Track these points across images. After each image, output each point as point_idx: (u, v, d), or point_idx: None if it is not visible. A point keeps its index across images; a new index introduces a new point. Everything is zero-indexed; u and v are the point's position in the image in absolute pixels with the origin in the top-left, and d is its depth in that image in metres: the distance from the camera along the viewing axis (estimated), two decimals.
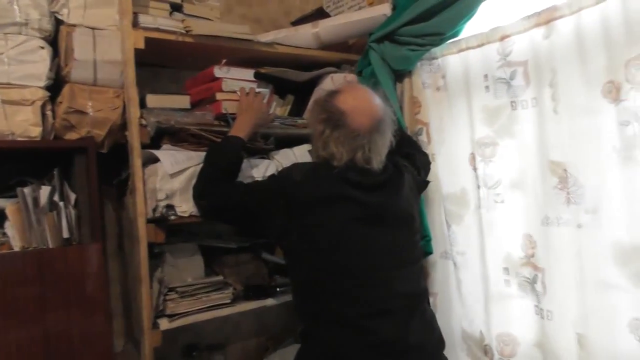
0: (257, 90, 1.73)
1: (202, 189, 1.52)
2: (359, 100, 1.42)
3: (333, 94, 1.46)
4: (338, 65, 2.09)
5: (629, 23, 1.29)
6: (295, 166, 1.48)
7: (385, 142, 1.42)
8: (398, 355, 1.30)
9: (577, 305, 1.43)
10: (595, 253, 1.38)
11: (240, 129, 1.59)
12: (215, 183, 1.51)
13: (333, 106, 1.41)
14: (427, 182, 1.73)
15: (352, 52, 2.18)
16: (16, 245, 1.45)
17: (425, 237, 1.79)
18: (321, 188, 1.37)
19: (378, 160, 1.40)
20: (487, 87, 1.68)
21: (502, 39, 1.62)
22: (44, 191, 1.48)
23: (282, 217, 1.38)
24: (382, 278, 1.35)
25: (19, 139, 1.49)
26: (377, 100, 1.44)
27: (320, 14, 2.23)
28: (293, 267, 1.45)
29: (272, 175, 1.57)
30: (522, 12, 1.57)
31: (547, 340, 1.52)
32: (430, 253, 1.82)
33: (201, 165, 1.55)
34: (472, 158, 1.73)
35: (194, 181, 1.57)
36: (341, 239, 1.34)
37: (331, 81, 2.00)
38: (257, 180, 1.63)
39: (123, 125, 1.65)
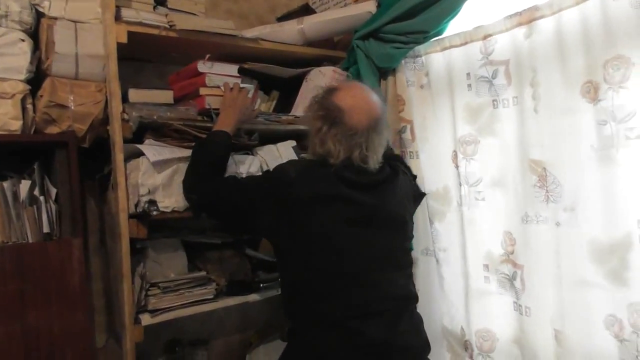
0: (242, 85, 1.72)
1: (192, 184, 1.51)
2: (357, 98, 1.41)
3: (331, 90, 1.45)
4: (319, 63, 2.09)
5: (607, 24, 1.31)
6: (291, 163, 1.47)
7: (382, 142, 1.42)
8: (384, 357, 1.30)
9: (555, 302, 1.45)
10: (572, 251, 1.40)
11: (224, 124, 1.58)
12: (204, 178, 1.49)
13: (331, 103, 1.40)
14: (423, 195, 1.73)
15: (338, 49, 2.19)
16: None
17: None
18: (316, 186, 1.35)
19: (374, 159, 1.40)
20: (469, 86, 1.70)
21: (485, 38, 1.63)
22: (24, 185, 1.47)
23: (273, 214, 1.36)
24: (372, 280, 1.35)
25: None
26: (375, 99, 1.43)
27: (305, 10, 2.23)
28: (283, 265, 1.45)
29: (267, 171, 1.56)
30: (505, 11, 1.58)
31: (525, 336, 1.55)
32: (411, 250, 1.83)
33: (189, 161, 1.54)
34: (455, 156, 1.75)
35: (176, 177, 1.56)
36: (333, 239, 1.34)
37: (320, 74, 2.00)
38: (251, 176, 1.62)
39: (105, 120, 1.63)
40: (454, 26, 1.77)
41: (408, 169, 1.77)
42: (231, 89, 1.67)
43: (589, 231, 1.37)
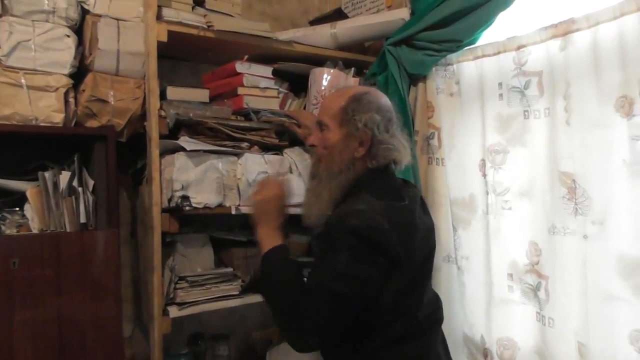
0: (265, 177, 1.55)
1: (294, 325, 1.14)
2: (383, 94, 1.38)
3: (370, 93, 1.31)
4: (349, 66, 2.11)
5: None
6: (369, 213, 1.15)
7: None
8: None
9: (579, 314, 1.45)
10: (599, 264, 1.40)
11: (270, 238, 1.25)
12: (301, 308, 1.12)
13: (384, 105, 1.31)
14: None
15: (368, 54, 2.22)
16: (34, 227, 1.48)
17: None
18: (405, 227, 1.20)
19: None
20: (500, 95, 1.71)
21: (518, 48, 1.64)
22: (64, 176, 1.52)
23: (387, 273, 1.16)
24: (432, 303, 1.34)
25: (42, 124, 1.52)
26: None
27: (338, 14, 2.26)
28: (371, 318, 1.19)
29: (353, 245, 1.13)
30: (539, 23, 1.59)
31: (546, 347, 1.55)
32: None
33: (272, 310, 1.20)
34: (482, 164, 1.76)
35: (208, 173, 1.61)
36: (419, 273, 1.27)
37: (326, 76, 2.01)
38: (337, 261, 1.12)
39: (142, 116, 1.68)
40: (487, 36, 1.78)
41: None
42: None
43: (618, 245, 1.37)
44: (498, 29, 1.76)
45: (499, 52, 1.71)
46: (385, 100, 1.33)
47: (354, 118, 1.25)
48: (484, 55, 1.77)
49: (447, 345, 1.38)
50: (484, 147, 1.75)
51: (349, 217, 1.15)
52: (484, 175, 1.75)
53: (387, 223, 1.14)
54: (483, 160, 1.76)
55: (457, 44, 1.81)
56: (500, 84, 1.71)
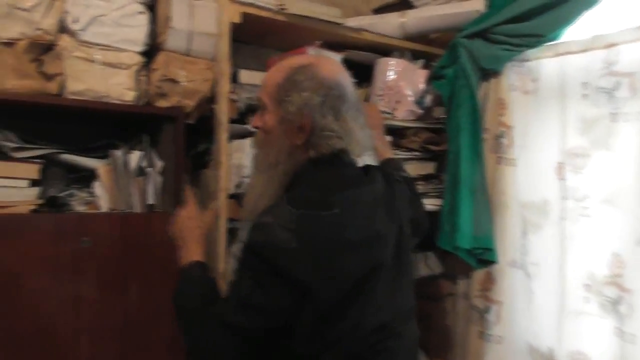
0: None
1: (198, 355, 1.01)
2: (338, 67, 1.11)
3: (307, 67, 1.04)
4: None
5: None
6: (275, 228, 0.93)
7: None
8: None
9: None
10: None
11: (188, 257, 1.15)
12: (204, 338, 0.99)
13: (329, 82, 1.03)
14: None
15: (434, 45, 2.14)
16: (103, 205, 1.46)
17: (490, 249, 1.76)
18: (325, 244, 0.96)
19: None
20: (584, 96, 1.62)
21: (608, 47, 1.55)
22: (135, 156, 1.49)
23: (296, 300, 0.94)
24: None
25: (114, 101, 1.49)
26: None
27: (404, 3, 2.19)
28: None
29: (254, 266, 0.95)
30: (624, 23, 1.50)
31: None
32: (493, 261, 1.77)
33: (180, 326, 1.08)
34: (560, 167, 1.67)
35: None
36: (352, 297, 0.99)
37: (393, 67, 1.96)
38: (241, 286, 0.97)
39: (210, 99, 1.64)
40: (568, 34, 1.69)
41: None
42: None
43: None
44: (580, 28, 1.66)
45: (585, 50, 1.62)
46: (332, 75, 1.04)
47: (286, 98, 1.02)
48: (567, 53, 1.68)
49: None
50: (562, 149, 1.67)
51: (254, 230, 0.96)
52: (561, 179, 1.66)
53: (297, 240, 0.92)
54: (560, 162, 1.67)
55: (537, 39, 1.72)
56: (584, 84, 1.62)
